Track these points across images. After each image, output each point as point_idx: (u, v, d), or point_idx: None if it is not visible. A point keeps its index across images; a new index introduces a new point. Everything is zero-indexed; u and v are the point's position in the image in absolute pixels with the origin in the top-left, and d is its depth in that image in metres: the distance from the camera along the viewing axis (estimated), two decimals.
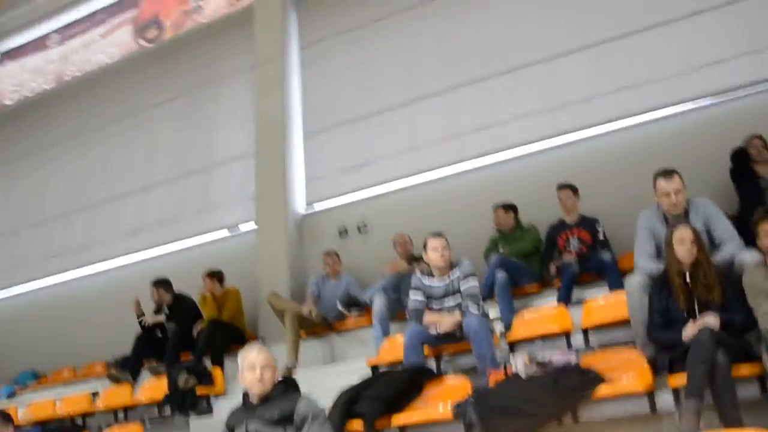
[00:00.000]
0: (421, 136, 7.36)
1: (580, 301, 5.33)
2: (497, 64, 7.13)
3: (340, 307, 6.28)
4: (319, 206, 7.84)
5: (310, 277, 7.28)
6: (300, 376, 5.92)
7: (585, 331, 4.81)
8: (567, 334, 4.84)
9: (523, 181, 6.75)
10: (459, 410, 3.85)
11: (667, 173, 4.40)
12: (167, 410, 6.07)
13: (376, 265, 7.07)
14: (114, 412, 6.38)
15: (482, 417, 3.73)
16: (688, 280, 3.84)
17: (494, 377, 4.20)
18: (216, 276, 7.14)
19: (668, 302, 3.86)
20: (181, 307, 7.16)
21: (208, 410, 5.93)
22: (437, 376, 4.52)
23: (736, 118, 6.07)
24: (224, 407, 5.71)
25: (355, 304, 6.23)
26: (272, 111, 8.03)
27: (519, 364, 4.02)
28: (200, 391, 5.95)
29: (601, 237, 5.84)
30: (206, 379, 6.10)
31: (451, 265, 5.00)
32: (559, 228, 6.04)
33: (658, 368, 3.79)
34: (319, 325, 6.66)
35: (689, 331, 3.60)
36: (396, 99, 7.57)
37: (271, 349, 6.57)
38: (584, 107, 6.64)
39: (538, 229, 6.24)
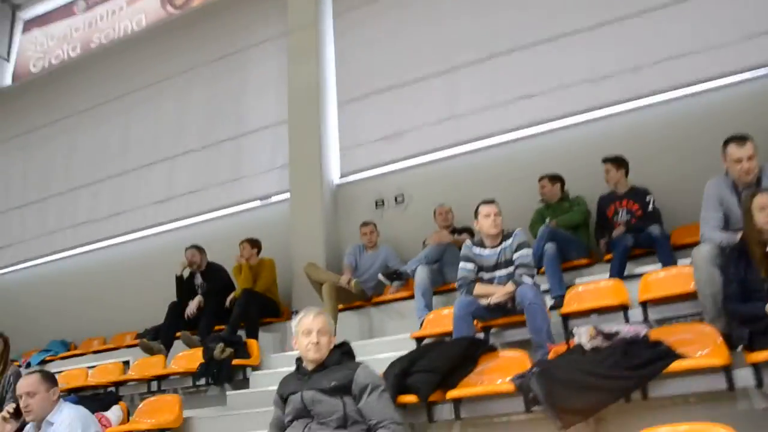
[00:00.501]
0: (460, 106, 7.11)
1: (632, 276, 5.15)
2: (540, 33, 6.83)
3: (381, 277, 6.08)
4: (354, 176, 7.63)
5: (345, 248, 7.10)
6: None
7: (644, 305, 4.57)
8: (625, 308, 4.61)
9: (568, 152, 6.49)
10: (521, 383, 3.65)
11: (740, 138, 4.15)
12: (202, 381, 5.93)
13: (413, 236, 6.91)
14: (147, 382, 6.25)
15: (547, 391, 3.51)
16: None
17: (554, 350, 4.00)
18: (255, 244, 6.97)
19: (746, 273, 3.61)
20: (214, 276, 7.01)
21: (244, 382, 5.80)
22: (492, 348, 4.31)
23: None
24: (260, 380, 5.65)
25: (396, 275, 6.03)
26: (306, 78, 7.80)
27: (583, 335, 3.79)
28: (236, 362, 5.81)
29: (650, 208, 5.60)
30: (242, 350, 5.95)
31: (503, 235, 4.80)
32: (608, 199, 5.82)
33: (734, 343, 3.56)
34: (358, 297, 6.49)
35: None
36: (433, 68, 7.31)
37: None
38: (632, 77, 6.35)
39: (585, 200, 6.01)
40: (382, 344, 5.64)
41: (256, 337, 6.33)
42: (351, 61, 7.89)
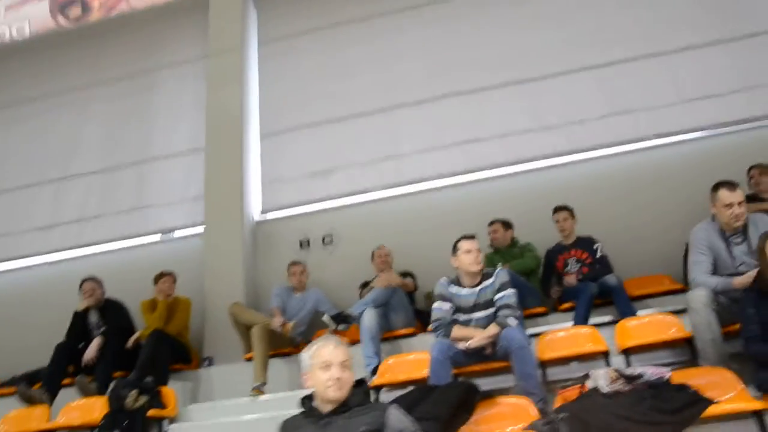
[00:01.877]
0: (399, 146, 6.86)
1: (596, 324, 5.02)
2: (487, 79, 6.80)
3: (327, 320, 5.47)
4: (276, 213, 7.04)
5: (265, 289, 6.47)
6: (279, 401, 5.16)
7: (625, 352, 4.41)
8: (606, 355, 4.41)
9: (511, 199, 6.39)
10: (548, 429, 3.27)
11: (731, 184, 4.20)
12: None
13: (341, 280, 6.50)
14: None
15: None
16: None
17: (564, 395, 3.67)
18: (174, 280, 6.11)
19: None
20: (114, 314, 6.05)
21: None
22: (489, 395, 3.89)
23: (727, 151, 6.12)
24: None
25: (343, 318, 5.47)
26: (226, 105, 7.20)
27: (601, 378, 3.52)
28: (151, 413, 4.91)
29: (598, 254, 5.58)
30: (156, 399, 5.06)
31: (483, 274, 4.48)
32: (556, 250, 5.75)
33: (759, 386, 3.44)
34: (286, 343, 5.82)
35: None
36: (370, 106, 7.04)
37: (220, 371, 5.83)
38: (579, 129, 6.46)
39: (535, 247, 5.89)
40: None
41: (165, 384, 5.45)
42: (277, 90, 7.41)
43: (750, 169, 5.65)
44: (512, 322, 4.23)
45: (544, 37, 6.79)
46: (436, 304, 4.47)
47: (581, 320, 5.04)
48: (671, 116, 6.26)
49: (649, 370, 3.54)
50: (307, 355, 2.90)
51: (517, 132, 6.59)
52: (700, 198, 5.79)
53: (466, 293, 4.45)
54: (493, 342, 4.22)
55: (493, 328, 4.22)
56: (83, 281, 6.14)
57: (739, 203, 4.11)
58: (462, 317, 4.42)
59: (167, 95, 7.74)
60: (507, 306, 4.29)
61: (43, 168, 7.76)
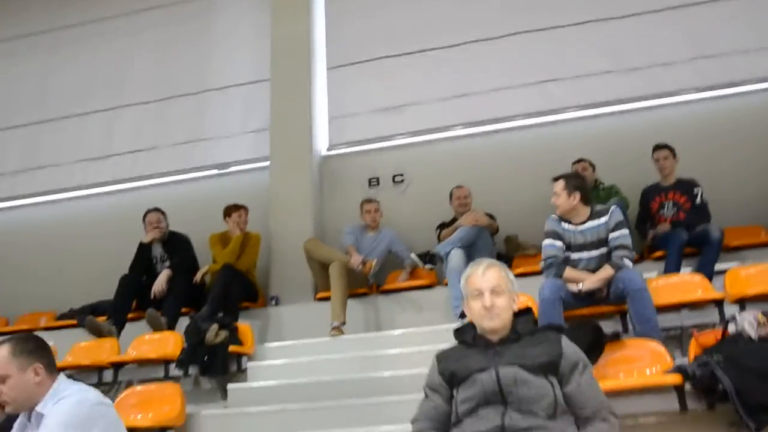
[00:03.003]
0: (474, 84, 6.47)
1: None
2: (566, 16, 6.39)
3: (414, 258, 5.25)
4: (344, 149, 6.74)
5: (332, 227, 6.23)
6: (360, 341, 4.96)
7: (740, 301, 4.15)
8: (719, 303, 4.17)
9: (589, 143, 6.03)
10: (702, 373, 3.03)
11: None
12: (174, 371, 4.76)
13: (411, 221, 6.21)
14: (99, 370, 4.96)
15: (738, 381, 2.94)
16: None
17: (702, 340, 3.43)
18: (246, 211, 5.86)
19: None
20: (179, 248, 5.83)
21: (240, 375, 4.72)
22: (616, 336, 3.65)
23: None
24: (261, 373, 4.66)
25: (430, 257, 5.22)
26: (293, 35, 6.80)
27: (748, 322, 3.28)
28: (232, 349, 4.72)
29: (698, 201, 5.28)
30: (234, 335, 4.86)
31: (592, 212, 4.20)
32: (653, 191, 5.44)
33: None
34: (360, 283, 5.59)
35: None
36: (443, 41, 6.61)
37: (288, 311, 5.61)
38: (663, 72, 6.08)
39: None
40: (397, 338, 4.91)
41: (236, 321, 5.23)
42: (346, 21, 7.00)
43: None
44: (628, 263, 3.99)
45: None
46: (547, 242, 4.22)
47: (673, 268, 4.77)
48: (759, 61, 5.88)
49: None
50: (462, 282, 2.64)
51: (596, 73, 6.23)
52: None
53: (575, 230, 4.18)
54: (607, 284, 3.98)
55: (608, 270, 3.97)
56: (147, 212, 5.90)
57: None
58: (574, 255, 4.16)
59: (225, 23, 7.34)
60: (622, 246, 4.03)
61: (92, 97, 7.40)
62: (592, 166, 5.68)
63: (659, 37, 6.12)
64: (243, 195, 6.42)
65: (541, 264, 4.24)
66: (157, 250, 5.85)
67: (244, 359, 4.82)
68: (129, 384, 4.86)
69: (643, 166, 5.53)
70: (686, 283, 4.37)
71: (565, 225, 4.22)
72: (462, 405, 2.44)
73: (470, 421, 2.40)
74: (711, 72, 5.95)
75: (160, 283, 5.50)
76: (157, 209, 5.90)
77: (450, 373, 2.51)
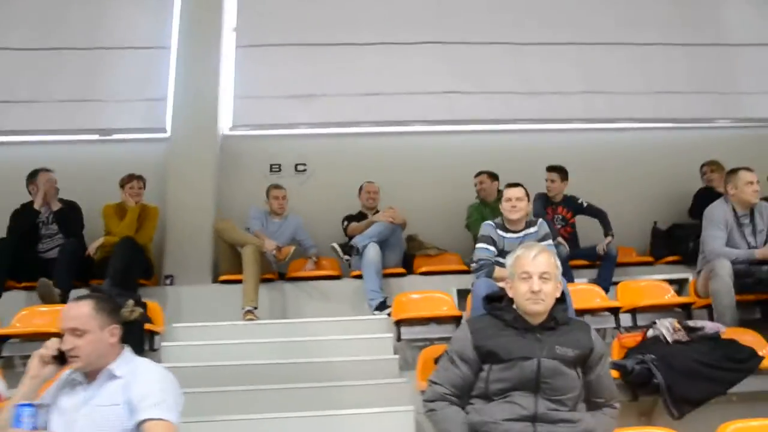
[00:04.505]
0: (385, 85, 6.64)
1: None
2: (479, 34, 6.81)
3: (336, 248, 5.26)
4: (246, 131, 6.56)
5: (231, 210, 6.04)
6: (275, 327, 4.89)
7: (633, 312, 4.76)
8: (615, 312, 4.74)
9: (489, 154, 6.44)
10: (640, 369, 3.46)
11: (748, 168, 4.72)
12: None
13: (311, 210, 6.25)
14: None
15: (670, 379, 3.41)
16: None
17: (624, 341, 3.90)
18: (143, 182, 5.47)
19: None
20: (71, 215, 5.35)
21: (153, 354, 4.44)
22: None
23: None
24: (173, 353, 4.45)
25: (350, 249, 5.27)
26: (204, 6, 6.50)
27: (666, 327, 3.79)
28: (147, 327, 4.44)
29: (584, 205, 5.91)
30: (145, 312, 4.57)
31: (527, 222, 4.57)
32: (545, 201, 5.97)
33: None
34: (269, 269, 5.52)
35: None
36: (363, 37, 6.71)
37: (188, 292, 5.41)
38: (558, 99, 6.74)
39: None
40: (312, 326, 4.91)
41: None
42: (259, 3, 6.79)
43: (702, 165, 6.30)
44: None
45: (533, 6, 6.94)
46: (481, 245, 4.45)
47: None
48: (642, 104, 6.76)
49: (707, 324, 3.88)
50: (509, 262, 2.76)
51: (500, 92, 6.72)
52: (660, 183, 6.52)
53: (511, 237, 4.50)
54: None
55: None
56: (37, 171, 5.33)
57: (757, 182, 4.62)
58: (503, 261, 4.48)
59: None
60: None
61: None
62: (494, 176, 6.09)
63: (558, 68, 6.75)
64: (131, 165, 5.98)
65: (473, 266, 4.49)
66: (44, 215, 5.31)
67: (157, 338, 4.55)
68: (8, 360, 4.40)
69: (537, 182, 5.93)
70: (587, 292, 4.93)
71: (502, 232, 4.50)
72: (494, 384, 2.53)
73: (501, 405, 2.50)
74: (598, 105, 6.71)
75: (93, 248, 5.21)
76: (47, 169, 5.36)
77: (487, 351, 2.57)
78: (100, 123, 6.38)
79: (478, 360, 2.59)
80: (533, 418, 2.46)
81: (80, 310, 2.38)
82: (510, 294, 2.69)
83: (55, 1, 6.61)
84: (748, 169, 4.72)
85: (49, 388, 2.42)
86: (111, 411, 2.28)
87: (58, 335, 4.21)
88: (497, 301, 2.76)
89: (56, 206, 5.35)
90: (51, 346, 2.36)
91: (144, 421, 2.24)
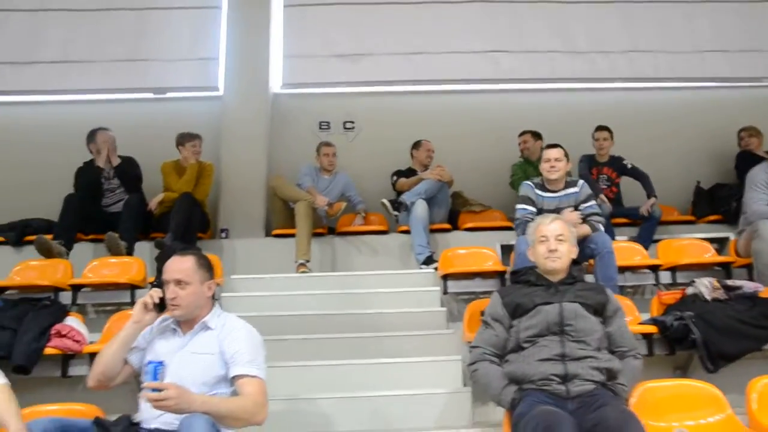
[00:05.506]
0: (435, 44, 6.70)
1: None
2: None
3: (386, 203, 5.47)
4: (297, 89, 6.73)
5: (283, 165, 6.25)
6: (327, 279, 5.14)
7: (673, 270, 4.90)
8: (655, 269, 4.90)
9: (535, 114, 6.54)
10: (677, 326, 3.63)
11: None
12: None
13: (359, 167, 6.43)
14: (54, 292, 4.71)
15: (707, 335, 3.58)
16: None
17: (665, 298, 4.06)
18: (201, 141, 5.72)
19: None
20: (132, 171, 5.64)
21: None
22: None
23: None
24: (234, 305, 4.68)
25: (400, 205, 5.48)
26: None
27: (705, 285, 3.94)
28: None
29: (629, 166, 6.02)
30: None
31: (567, 182, 4.68)
32: (590, 162, 6.07)
33: None
34: (319, 223, 5.77)
35: None
36: None
37: (242, 245, 5.66)
38: (601, 59, 6.74)
39: None
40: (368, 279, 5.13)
41: None
42: None
43: (740, 131, 6.32)
44: (601, 228, 4.51)
45: None
46: (520, 205, 4.59)
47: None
48: (686, 63, 6.73)
49: (745, 283, 4.01)
50: (530, 231, 3.10)
51: (543, 51, 6.75)
52: (704, 142, 6.53)
53: (550, 197, 4.63)
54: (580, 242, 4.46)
55: (586, 228, 4.41)
56: (95, 131, 5.60)
57: None
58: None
59: None
60: (596, 213, 4.54)
61: None
62: (537, 135, 6.18)
63: (602, 26, 6.74)
64: (185, 122, 6.25)
65: (515, 223, 4.66)
66: (105, 171, 5.60)
67: (217, 290, 4.82)
68: (82, 308, 4.74)
69: (580, 141, 6.05)
70: (628, 250, 5.06)
71: (540, 192, 4.64)
72: (524, 332, 2.85)
73: (532, 349, 2.81)
74: (641, 64, 6.70)
75: (154, 203, 5.52)
76: (106, 129, 5.63)
77: (515, 305, 2.92)
78: (154, 82, 6.60)
79: (508, 316, 2.94)
80: (562, 356, 2.75)
81: (185, 264, 2.66)
82: (531, 258, 3.07)
83: None
84: None
85: (143, 333, 2.68)
86: (204, 359, 2.56)
87: (128, 285, 4.59)
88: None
89: (116, 162, 5.61)
90: (154, 295, 2.62)
91: (240, 376, 2.52)
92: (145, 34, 6.65)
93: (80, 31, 6.62)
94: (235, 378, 2.53)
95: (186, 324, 2.66)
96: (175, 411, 2.32)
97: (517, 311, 2.91)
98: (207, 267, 2.73)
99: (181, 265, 2.65)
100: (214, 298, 2.76)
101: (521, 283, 3.04)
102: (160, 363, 2.46)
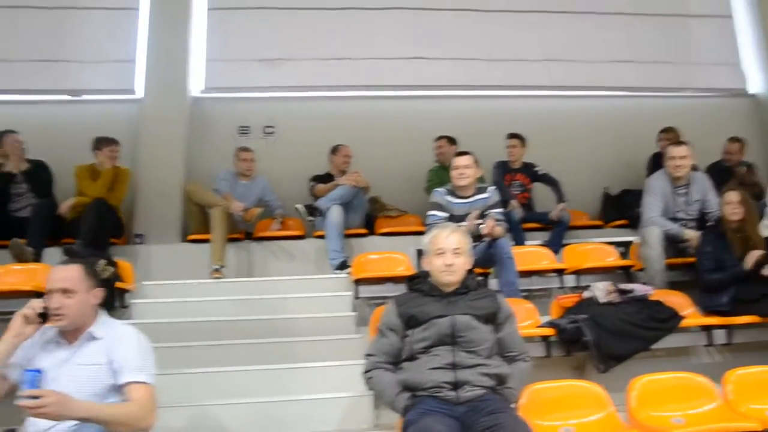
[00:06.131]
0: (352, 49, 6.81)
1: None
2: (448, 1, 7.01)
3: (301, 209, 5.49)
4: (216, 93, 6.70)
5: (200, 171, 6.22)
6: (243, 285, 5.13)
7: (577, 272, 5.10)
8: (560, 273, 5.08)
9: (453, 119, 6.70)
10: (571, 329, 3.80)
11: (679, 142, 5.05)
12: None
13: (279, 171, 6.46)
14: None
15: (598, 337, 3.76)
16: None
17: (563, 302, 4.23)
18: (119, 147, 5.63)
19: (721, 252, 4.33)
20: (42, 175, 5.50)
21: (123, 312, 4.68)
22: None
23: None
24: (144, 311, 4.67)
25: (314, 210, 5.50)
26: None
27: (600, 289, 4.12)
28: (118, 285, 4.66)
29: (541, 172, 6.21)
30: (116, 270, 4.79)
31: (476, 189, 4.83)
32: (504, 168, 6.22)
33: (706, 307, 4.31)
34: (233, 228, 5.74)
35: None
36: (329, 2, 6.86)
37: (157, 251, 5.61)
38: (518, 67, 6.95)
39: None
40: (277, 284, 5.15)
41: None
42: None
43: (660, 132, 6.55)
44: (504, 233, 4.67)
45: None
46: (431, 212, 4.74)
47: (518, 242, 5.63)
48: (600, 72, 7.01)
49: (637, 287, 4.21)
50: (426, 241, 3.15)
51: (462, 58, 6.92)
52: (614, 149, 6.80)
53: (460, 203, 4.77)
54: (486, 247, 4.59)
55: (490, 220, 4.52)
56: (3, 134, 5.46)
57: (681, 157, 4.93)
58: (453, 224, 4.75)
59: None
60: (501, 220, 4.69)
61: None
62: (452, 141, 6.31)
63: (519, 35, 6.95)
64: (101, 125, 6.15)
65: (426, 228, 4.75)
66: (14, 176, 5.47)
67: (126, 296, 4.78)
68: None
69: (495, 145, 6.22)
70: (535, 254, 5.25)
71: (451, 198, 4.78)
72: (418, 343, 2.94)
73: (425, 358, 2.91)
74: (557, 73, 6.94)
75: (64, 207, 5.39)
76: (13, 131, 5.49)
77: (409, 316, 3.00)
78: (70, 83, 6.48)
79: (402, 326, 3.00)
80: (453, 366, 2.84)
81: (71, 272, 2.60)
82: (427, 268, 3.11)
83: None
84: (678, 143, 5.12)
85: (23, 346, 2.57)
86: (93, 370, 2.52)
87: (34, 293, 4.48)
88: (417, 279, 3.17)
89: (23, 166, 5.48)
90: (35, 306, 2.55)
91: (129, 383, 2.50)
92: (62, 35, 6.54)
93: None
94: (123, 386, 2.52)
95: (71, 334, 2.61)
96: (54, 418, 2.29)
97: (410, 322, 2.98)
98: (93, 275, 2.69)
99: (66, 274, 2.60)
100: (101, 306, 2.72)
101: (416, 291, 3.12)
102: (38, 371, 2.41)
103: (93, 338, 2.61)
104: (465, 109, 6.86)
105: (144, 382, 2.53)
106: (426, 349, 2.92)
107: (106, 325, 2.67)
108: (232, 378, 3.84)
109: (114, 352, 2.56)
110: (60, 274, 2.61)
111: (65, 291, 2.55)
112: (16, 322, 2.56)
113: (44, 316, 2.55)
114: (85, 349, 2.59)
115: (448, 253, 3.03)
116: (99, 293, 2.68)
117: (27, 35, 6.46)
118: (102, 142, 5.64)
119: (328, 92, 6.81)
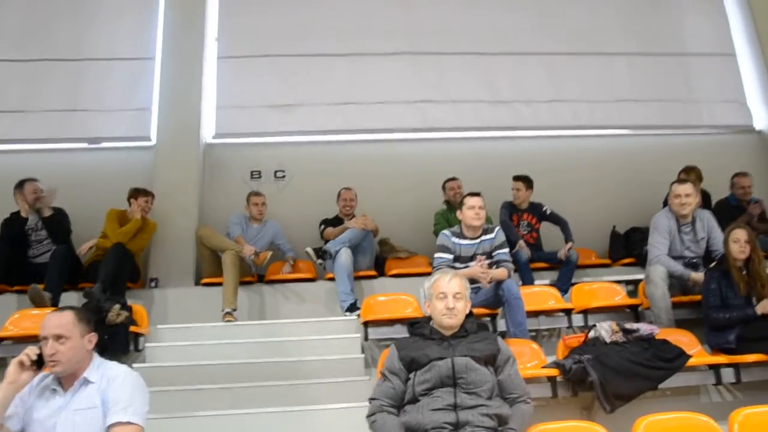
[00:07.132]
0: (361, 94, 6.99)
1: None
2: (448, 44, 7.16)
3: (310, 252, 5.59)
4: (228, 139, 6.88)
5: (213, 215, 6.37)
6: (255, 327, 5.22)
7: (585, 312, 5.13)
8: (568, 313, 5.11)
9: (463, 161, 6.84)
10: (576, 369, 3.83)
11: (682, 180, 5.10)
12: None
13: (289, 215, 6.60)
14: None
15: (603, 376, 3.78)
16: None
17: (569, 342, 4.26)
18: (153, 198, 5.87)
19: (726, 290, 4.36)
20: (61, 222, 5.67)
21: (137, 355, 4.79)
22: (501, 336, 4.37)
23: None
24: (158, 354, 4.76)
25: (324, 254, 5.60)
26: (186, 18, 6.86)
27: (605, 329, 4.15)
28: (132, 329, 4.77)
29: (548, 212, 6.26)
30: (130, 314, 4.91)
31: (483, 229, 4.91)
32: (511, 208, 6.30)
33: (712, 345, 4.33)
34: (248, 272, 5.86)
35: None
36: (338, 49, 7.08)
37: (172, 294, 5.72)
38: (525, 108, 7.09)
39: None
40: (291, 327, 5.23)
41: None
42: (241, 13, 7.14)
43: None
44: (510, 275, 4.73)
45: (502, 18, 7.31)
46: (438, 254, 4.81)
47: (527, 281, 5.69)
48: (605, 112, 7.13)
49: (642, 326, 4.24)
50: (427, 285, 3.24)
51: (470, 100, 7.07)
52: (621, 187, 6.86)
53: (467, 244, 4.85)
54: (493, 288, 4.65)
55: (501, 271, 4.63)
56: (25, 181, 5.64)
57: (687, 195, 4.99)
58: (459, 266, 4.81)
59: None
60: (507, 261, 4.77)
61: None
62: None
63: (525, 76, 7.10)
64: (118, 172, 6.43)
65: (433, 270, 4.83)
66: (33, 222, 5.63)
67: (141, 339, 4.88)
68: (2, 361, 4.71)
69: (503, 186, 6.33)
70: (543, 294, 5.29)
71: (457, 239, 4.86)
72: (419, 386, 3.01)
73: (427, 400, 2.97)
74: (563, 113, 7.07)
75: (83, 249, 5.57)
76: (34, 179, 5.67)
77: (410, 360, 3.07)
78: (88, 132, 6.69)
79: (404, 370, 3.08)
80: (454, 406, 2.91)
81: (64, 319, 2.67)
82: (428, 312, 3.22)
83: (43, 14, 6.92)
84: (681, 181, 5.16)
85: (20, 396, 2.62)
86: (90, 413, 2.57)
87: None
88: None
89: (47, 213, 5.64)
90: (30, 353, 2.61)
91: (114, 424, 2.53)
92: (82, 85, 6.79)
93: (15, 81, 6.69)
94: (110, 427, 2.54)
95: (66, 380, 2.66)
96: None
97: (412, 365, 3.05)
98: (87, 320, 2.74)
99: (59, 320, 2.66)
100: (95, 351, 2.76)
101: (417, 335, 3.20)
102: None
103: (87, 382, 2.65)
104: (473, 150, 6.99)
105: (129, 422, 2.55)
106: (428, 391, 2.98)
107: (100, 368, 2.71)
108: (244, 420, 3.89)
109: (105, 392, 2.61)
110: (53, 320, 2.67)
111: (59, 337, 2.61)
112: (12, 369, 2.60)
113: (40, 363, 2.61)
114: (80, 394, 2.64)
115: (450, 296, 3.13)
116: (93, 338, 2.74)
117: (47, 86, 6.70)
118: (138, 193, 5.83)
119: (337, 136, 6.96)
